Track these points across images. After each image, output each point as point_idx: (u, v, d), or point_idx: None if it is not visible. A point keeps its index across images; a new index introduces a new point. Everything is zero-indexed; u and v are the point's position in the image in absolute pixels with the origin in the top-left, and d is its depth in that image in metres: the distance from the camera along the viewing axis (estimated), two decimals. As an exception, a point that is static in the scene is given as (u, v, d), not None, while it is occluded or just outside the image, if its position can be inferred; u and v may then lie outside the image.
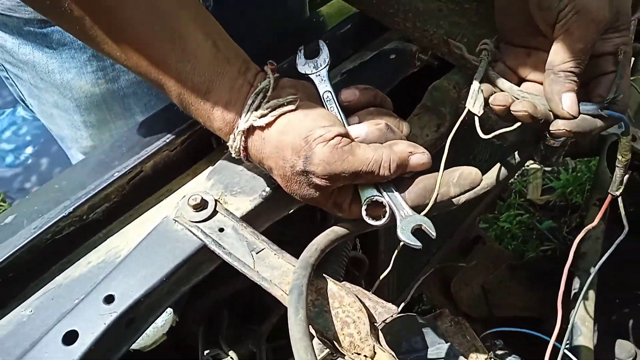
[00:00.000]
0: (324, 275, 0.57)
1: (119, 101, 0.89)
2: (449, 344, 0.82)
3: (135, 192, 0.65)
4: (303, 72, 0.64)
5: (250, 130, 0.57)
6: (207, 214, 0.59)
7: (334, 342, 0.53)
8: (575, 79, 0.58)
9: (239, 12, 0.96)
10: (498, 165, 0.70)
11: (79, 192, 0.61)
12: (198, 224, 0.59)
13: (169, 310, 0.69)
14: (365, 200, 0.58)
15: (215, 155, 0.69)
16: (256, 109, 0.56)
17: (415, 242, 0.56)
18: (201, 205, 0.59)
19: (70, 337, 0.51)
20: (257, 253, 0.57)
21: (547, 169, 2.23)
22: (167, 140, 0.66)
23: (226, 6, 0.94)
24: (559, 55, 0.58)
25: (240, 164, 0.65)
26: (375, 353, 0.53)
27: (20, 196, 2.01)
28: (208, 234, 0.58)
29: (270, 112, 0.56)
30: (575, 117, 0.58)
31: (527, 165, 2.26)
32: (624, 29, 0.59)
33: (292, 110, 0.57)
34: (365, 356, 0.53)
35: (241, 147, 0.58)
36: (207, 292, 0.78)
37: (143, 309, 0.55)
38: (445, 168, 0.60)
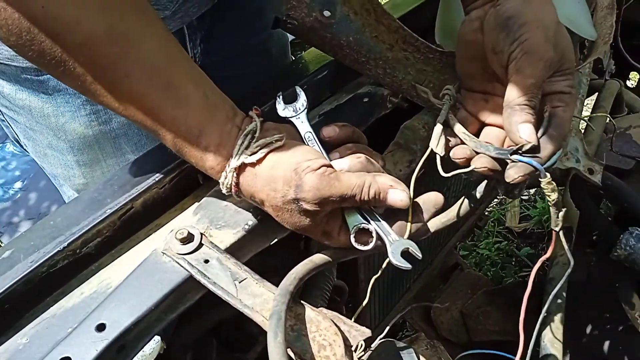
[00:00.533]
0: (302, 302, 0.61)
1: (110, 142, 0.94)
2: (426, 366, 0.86)
3: (126, 227, 0.69)
4: (284, 116, 0.70)
5: (241, 168, 0.62)
6: (193, 247, 0.63)
7: (311, 364, 0.57)
8: (530, 111, 0.63)
9: (226, 60, 1.03)
10: (463, 197, 0.76)
11: (73, 228, 0.65)
12: (185, 256, 0.63)
13: (157, 338, 0.73)
14: (353, 228, 0.63)
15: (201, 191, 0.74)
16: (246, 148, 0.62)
17: (405, 264, 0.62)
18: (188, 239, 0.64)
19: (64, 364, 0.55)
20: (240, 282, 0.62)
21: (524, 197, 2.31)
22: (157, 179, 0.70)
23: (213, 56, 1.01)
24: (513, 91, 0.63)
25: (225, 200, 0.70)
26: (349, 374, 0.58)
27: (8, 230, 2.03)
28: (194, 265, 0.62)
29: (259, 149, 0.62)
30: (534, 144, 0.62)
31: (506, 194, 2.33)
32: (568, 74, 0.65)
33: (280, 147, 0.63)
34: (340, 377, 0.57)
35: (233, 184, 0.63)
36: (194, 321, 0.82)
37: (133, 336, 0.59)
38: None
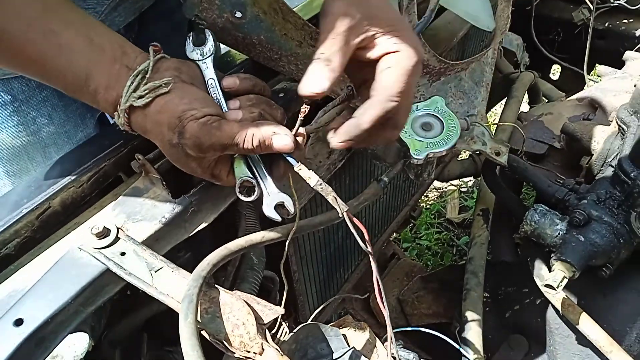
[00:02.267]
0: (216, 286, 0.64)
1: (40, 151, 0.94)
2: (352, 347, 0.90)
3: (45, 227, 0.70)
4: (191, 57, 0.71)
5: (131, 109, 0.64)
6: (109, 241, 0.66)
7: (225, 342, 0.60)
8: (322, 64, 0.63)
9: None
10: (373, 181, 0.81)
11: (-10, 229, 0.66)
12: (101, 250, 0.65)
13: (86, 336, 0.74)
14: (238, 180, 0.65)
15: (120, 189, 0.76)
16: (134, 90, 0.63)
17: (275, 216, 0.65)
18: (103, 233, 0.66)
19: (-19, 358, 0.56)
20: (155, 272, 0.64)
21: (463, 189, 2.40)
22: (74, 178, 0.72)
23: None
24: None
25: (141, 196, 0.73)
26: (263, 350, 0.61)
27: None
28: (110, 257, 0.64)
29: (147, 93, 0.63)
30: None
31: (445, 187, 2.43)
32: (390, 32, 0.63)
33: (168, 92, 0.63)
34: (254, 353, 0.61)
35: (125, 123, 0.65)
36: (123, 320, 0.83)
37: (50, 329, 0.60)
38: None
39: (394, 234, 1.59)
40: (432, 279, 1.38)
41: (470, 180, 2.43)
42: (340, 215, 0.66)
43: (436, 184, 2.38)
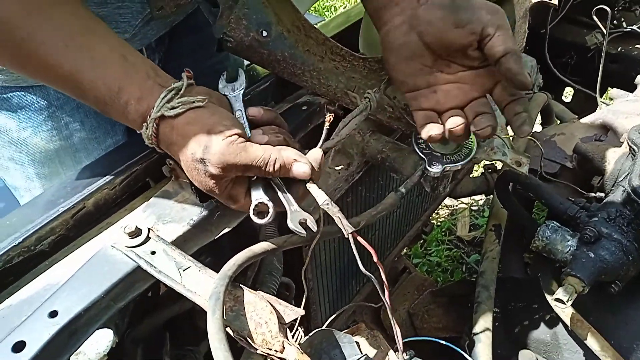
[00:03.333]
0: (240, 285, 0.68)
1: (70, 156, 0.99)
2: (365, 354, 0.92)
3: (78, 226, 0.74)
4: (222, 92, 0.76)
5: (161, 119, 0.65)
6: (140, 240, 0.69)
7: (249, 339, 0.63)
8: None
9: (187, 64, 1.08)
10: (391, 192, 0.84)
11: (27, 226, 0.70)
12: (132, 249, 0.68)
13: (110, 333, 0.77)
14: (255, 201, 0.67)
15: (150, 193, 0.80)
16: (168, 102, 0.65)
17: (300, 231, 0.67)
18: (135, 233, 0.69)
19: (19, 347, 0.59)
20: (184, 270, 0.68)
21: (474, 208, 2.42)
22: (107, 180, 0.76)
23: (172, 64, 1.07)
24: (501, 42, 0.68)
25: (171, 199, 0.76)
26: (284, 348, 0.64)
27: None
28: (141, 256, 0.68)
29: (180, 105, 0.65)
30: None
31: (456, 205, 2.45)
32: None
33: (201, 107, 0.66)
34: (276, 350, 0.64)
35: (152, 134, 0.66)
36: (146, 319, 0.87)
37: (83, 322, 0.64)
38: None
39: (405, 249, 1.61)
40: (442, 293, 1.40)
41: (481, 199, 2.45)
42: (347, 236, 0.69)
43: (447, 201, 2.40)
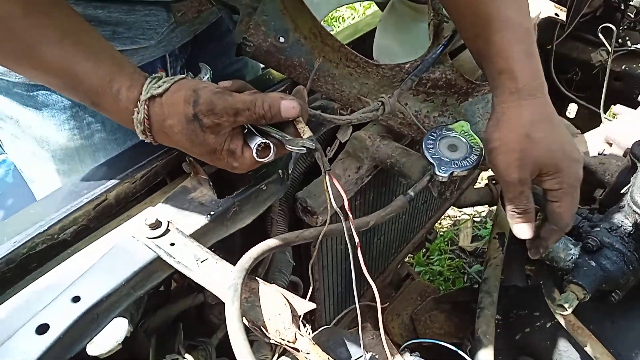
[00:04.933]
0: (256, 278, 0.70)
1: (90, 154, 1.01)
2: (370, 354, 0.95)
3: (100, 217, 0.77)
4: None
5: (150, 100, 0.68)
6: (160, 232, 0.72)
7: (263, 329, 0.66)
8: (518, 210, 0.79)
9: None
10: (400, 196, 0.87)
11: (52, 215, 0.73)
12: (153, 240, 0.71)
13: (125, 322, 0.79)
14: (254, 146, 0.69)
15: (169, 188, 0.83)
16: (155, 83, 0.69)
17: (302, 148, 0.69)
18: (156, 225, 0.72)
19: (42, 329, 0.62)
20: (202, 262, 0.71)
21: (476, 219, 2.44)
22: (129, 174, 0.79)
23: (193, 71, 1.10)
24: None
25: (190, 194, 0.79)
26: (296, 339, 0.66)
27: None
28: (161, 247, 0.71)
29: (165, 83, 0.69)
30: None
31: (459, 216, 2.47)
32: (553, 174, 0.77)
33: (183, 78, 0.70)
34: (288, 341, 0.66)
35: (144, 117, 0.69)
36: (159, 310, 0.89)
37: (105, 308, 0.66)
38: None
39: (409, 256, 1.63)
40: (444, 300, 1.43)
41: (483, 211, 2.47)
42: (323, 173, 0.71)
43: (450, 212, 2.43)
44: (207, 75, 0.78)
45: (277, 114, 0.69)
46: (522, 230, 0.80)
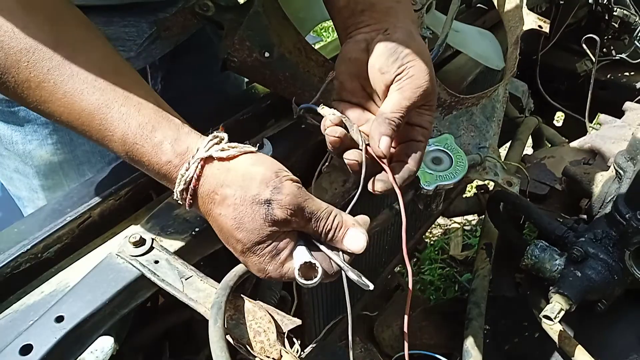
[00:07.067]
0: (241, 295, 0.70)
1: (74, 168, 1.01)
2: (359, 367, 0.95)
3: (84, 235, 0.77)
4: None
5: (208, 160, 0.60)
6: (144, 249, 0.72)
7: (248, 347, 0.66)
8: (394, 127, 0.67)
9: (183, 97, 1.10)
10: (385, 209, 0.87)
11: (35, 234, 0.72)
12: (137, 258, 0.71)
13: (111, 340, 0.79)
14: (298, 262, 0.62)
15: (153, 205, 0.82)
16: (216, 144, 0.61)
17: (366, 282, 0.64)
18: (140, 242, 0.72)
19: (26, 349, 0.61)
20: (186, 279, 0.70)
21: (466, 228, 2.45)
22: (113, 191, 0.79)
23: (171, 92, 1.09)
24: (388, 105, 0.68)
25: (174, 211, 0.79)
26: (281, 356, 0.66)
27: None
28: (145, 264, 0.70)
29: (231, 149, 0.61)
30: (385, 156, 0.67)
31: (449, 225, 2.48)
32: (432, 110, 0.71)
33: (254, 152, 0.63)
34: (273, 358, 0.66)
35: (195, 176, 0.60)
36: (145, 328, 0.89)
37: (88, 327, 0.66)
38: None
39: (399, 266, 1.63)
40: (434, 310, 1.43)
41: (473, 220, 2.48)
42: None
43: (440, 221, 2.43)
44: (270, 152, 0.77)
45: (338, 238, 0.63)
46: (386, 143, 0.67)
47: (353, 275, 0.63)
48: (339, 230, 0.63)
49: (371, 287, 0.63)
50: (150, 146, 0.60)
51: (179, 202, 0.65)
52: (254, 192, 0.59)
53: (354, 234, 0.63)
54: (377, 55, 0.69)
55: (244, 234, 0.61)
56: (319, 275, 0.62)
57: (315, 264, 0.62)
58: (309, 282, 0.62)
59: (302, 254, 0.62)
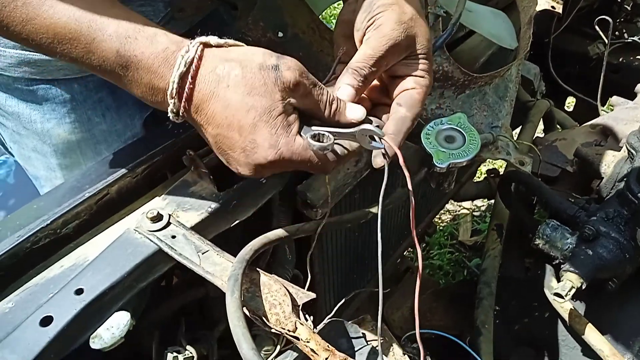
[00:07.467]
0: (256, 269, 0.71)
1: (92, 147, 1.02)
2: (370, 344, 0.96)
3: (102, 211, 0.78)
4: None
5: (207, 44, 0.60)
6: (162, 225, 0.73)
7: (263, 318, 0.67)
8: (359, 77, 0.66)
9: None
10: (399, 187, 0.88)
11: (55, 209, 0.74)
12: (154, 233, 0.72)
13: (127, 316, 0.80)
14: (310, 133, 0.62)
15: (169, 181, 0.84)
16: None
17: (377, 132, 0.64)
18: (157, 218, 0.73)
19: (46, 321, 0.63)
20: (203, 254, 0.72)
21: (475, 213, 2.46)
22: (130, 169, 0.80)
23: None
24: (355, 57, 0.67)
25: (190, 188, 0.80)
26: (296, 327, 0.67)
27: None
28: (162, 239, 0.72)
29: (228, 39, 0.62)
30: (342, 100, 0.65)
31: (458, 211, 2.48)
32: (422, 58, 0.70)
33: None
34: (289, 330, 0.67)
35: (196, 57, 0.59)
36: (161, 304, 0.90)
37: (107, 300, 0.67)
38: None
39: (409, 250, 1.65)
40: (444, 293, 1.44)
41: (483, 205, 2.48)
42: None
43: (449, 206, 2.44)
44: None
45: (339, 111, 0.64)
46: (346, 91, 0.67)
47: (369, 126, 0.64)
48: (340, 101, 0.65)
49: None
50: (144, 37, 0.59)
51: (173, 103, 0.60)
52: (259, 60, 0.60)
53: (353, 105, 0.65)
54: (358, 13, 0.69)
55: (256, 98, 0.59)
56: (332, 138, 0.63)
57: (324, 133, 0.63)
58: (324, 143, 0.62)
59: (310, 130, 0.63)
